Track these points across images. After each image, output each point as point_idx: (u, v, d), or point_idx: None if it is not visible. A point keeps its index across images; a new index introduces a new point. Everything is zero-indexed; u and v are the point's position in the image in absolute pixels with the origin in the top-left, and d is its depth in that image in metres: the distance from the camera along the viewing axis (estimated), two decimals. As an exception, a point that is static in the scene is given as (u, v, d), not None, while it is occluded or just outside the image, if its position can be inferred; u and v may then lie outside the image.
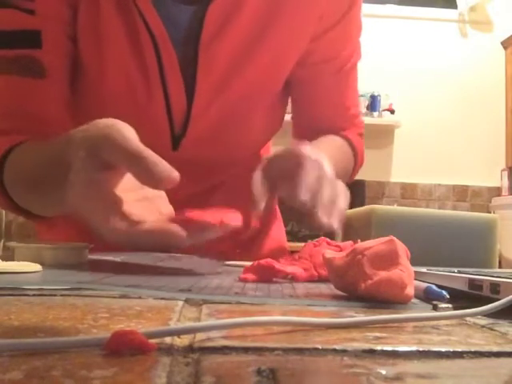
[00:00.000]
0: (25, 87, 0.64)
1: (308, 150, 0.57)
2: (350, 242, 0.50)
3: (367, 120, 3.20)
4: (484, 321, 0.30)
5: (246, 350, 0.22)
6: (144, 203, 0.49)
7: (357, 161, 0.83)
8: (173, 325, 0.26)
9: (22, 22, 0.63)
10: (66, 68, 0.67)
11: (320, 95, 0.79)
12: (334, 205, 0.55)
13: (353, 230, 0.73)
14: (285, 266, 0.46)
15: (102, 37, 0.65)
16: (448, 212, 0.73)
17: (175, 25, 0.65)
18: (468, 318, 0.30)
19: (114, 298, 0.33)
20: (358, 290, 0.35)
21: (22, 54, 0.63)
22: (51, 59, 0.64)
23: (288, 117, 0.83)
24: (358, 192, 3.26)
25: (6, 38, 0.63)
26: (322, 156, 0.58)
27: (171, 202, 0.78)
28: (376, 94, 3.24)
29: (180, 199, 0.78)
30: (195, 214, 0.47)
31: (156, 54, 0.65)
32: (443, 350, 0.23)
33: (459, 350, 0.23)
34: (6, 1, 0.62)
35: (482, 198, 3.36)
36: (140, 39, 0.64)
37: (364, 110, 3.25)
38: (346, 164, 0.79)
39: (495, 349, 0.23)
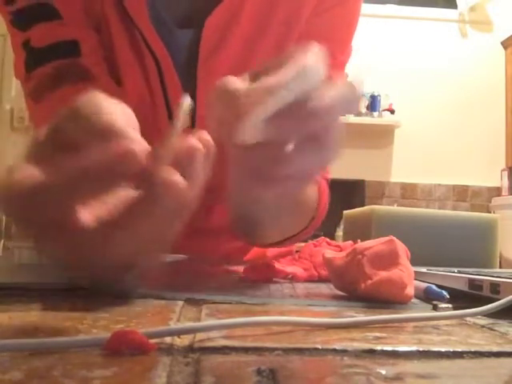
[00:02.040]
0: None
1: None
2: (350, 242, 0.50)
3: (367, 120, 3.21)
4: (484, 321, 0.30)
5: (246, 349, 0.22)
6: None
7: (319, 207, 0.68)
8: (173, 325, 0.26)
9: (58, 34, 0.62)
10: (107, 73, 0.67)
11: None
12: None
13: (353, 229, 0.73)
14: (285, 266, 0.46)
15: (116, 60, 0.65)
16: (448, 212, 0.73)
17: (178, 47, 0.66)
18: (468, 318, 0.30)
19: (114, 298, 0.33)
20: (357, 289, 0.35)
21: (62, 64, 0.62)
22: (93, 64, 0.64)
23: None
24: (357, 192, 3.27)
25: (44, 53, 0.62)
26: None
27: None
28: (376, 94, 3.24)
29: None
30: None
31: (159, 77, 0.66)
32: (443, 350, 0.23)
33: (459, 350, 0.23)
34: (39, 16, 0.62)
35: (482, 198, 3.36)
36: (145, 63, 0.65)
37: (364, 110, 3.25)
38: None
39: (495, 349, 0.23)
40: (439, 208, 3.24)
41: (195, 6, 0.67)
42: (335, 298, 0.37)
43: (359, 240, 0.49)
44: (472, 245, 0.68)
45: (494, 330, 0.28)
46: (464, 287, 0.36)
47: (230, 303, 0.33)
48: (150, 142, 0.32)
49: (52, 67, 0.61)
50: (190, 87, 0.67)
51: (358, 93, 0.38)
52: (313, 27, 0.70)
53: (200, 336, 0.23)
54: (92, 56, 0.64)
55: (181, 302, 0.32)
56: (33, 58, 0.63)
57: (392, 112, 3.28)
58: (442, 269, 0.46)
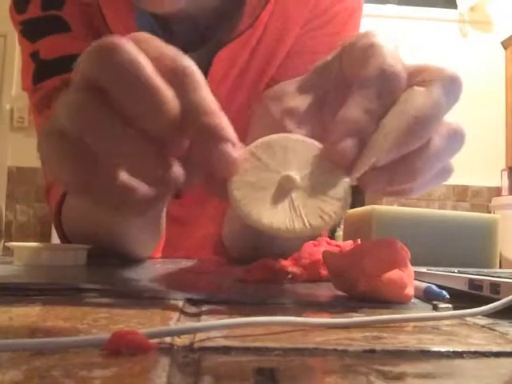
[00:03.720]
0: None
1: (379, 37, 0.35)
2: (350, 242, 0.50)
3: (367, 120, 3.21)
4: (484, 321, 0.30)
5: (246, 349, 0.22)
6: None
7: None
8: (173, 325, 0.26)
9: (66, 47, 0.62)
10: None
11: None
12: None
13: (353, 229, 0.73)
14: (285, 266, 0.46)
15: None
16: (448, 212, 0.73)
17: None
18: (468, 318, 0.30)
19: (114, 298, 0.33)
20: (358, 289, 0.35)
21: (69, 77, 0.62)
22: None
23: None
24: (357, 192, 3.27)
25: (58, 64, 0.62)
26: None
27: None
28: (376, 94, 3.23)
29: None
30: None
31: None
32: (443, 350, 0.23)
33: (459, 350, 0.23)
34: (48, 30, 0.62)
35: (482, 198, 3.36)
36: None
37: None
38: None
39: (495, 349, 0.23)
40: (439, 208, 3.23)
41: (201, 33, 0.66)
42: (335, 298, 0.37)
43: (359, 240, 0.49)
44: (472, 245, 0.68)
45: (494, 330, 0.28)
46: (464, 287, 0.36)
47: (230, 303, 0.33)
48: None
49: (59, 80, 0.61)
50: None
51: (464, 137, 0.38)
52: (304, 44, 0.68)
53: (200, 336, 0.23)
54: None
55: (181, 302, 0.32)
56: (41, 70, 0.64)
57: (392, 112, 3.28)
58: (442, 269, 0.46)
